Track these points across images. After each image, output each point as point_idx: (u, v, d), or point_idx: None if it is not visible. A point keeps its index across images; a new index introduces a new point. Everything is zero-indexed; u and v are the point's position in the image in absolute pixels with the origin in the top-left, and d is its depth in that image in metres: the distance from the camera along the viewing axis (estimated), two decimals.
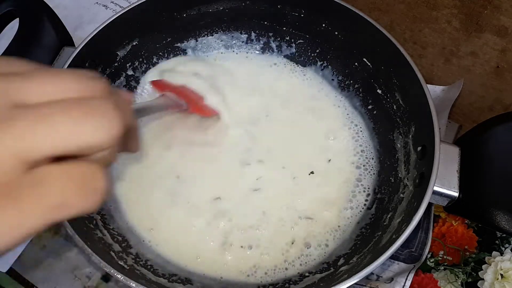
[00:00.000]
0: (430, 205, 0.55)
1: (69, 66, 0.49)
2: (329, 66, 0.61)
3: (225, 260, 0.49)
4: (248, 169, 0.54)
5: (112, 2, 0.74)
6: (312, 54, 0.62)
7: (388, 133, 0.55)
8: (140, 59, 0.60)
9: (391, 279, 0.51)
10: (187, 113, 0.54)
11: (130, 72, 0.60)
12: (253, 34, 0.63)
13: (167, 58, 0.62)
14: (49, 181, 0.20)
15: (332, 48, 0.60)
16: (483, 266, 0.52)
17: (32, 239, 0.54)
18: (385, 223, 0.47)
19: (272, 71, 0.63)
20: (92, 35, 0.51)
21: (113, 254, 0.44)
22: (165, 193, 0.53)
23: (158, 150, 0.55)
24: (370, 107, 0.57)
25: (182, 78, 0.58)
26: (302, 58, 0.63)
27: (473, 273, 0.53)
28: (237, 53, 0.64)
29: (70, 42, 0.56)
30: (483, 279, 0.51)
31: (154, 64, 0.62)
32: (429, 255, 0.54)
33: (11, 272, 0.52)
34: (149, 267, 0.46)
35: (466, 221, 0.57)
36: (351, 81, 0.59)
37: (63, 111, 0.21)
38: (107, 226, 0.49)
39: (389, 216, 0.48)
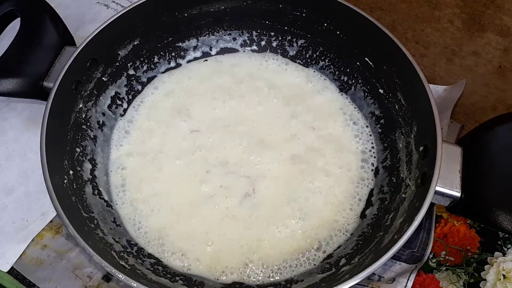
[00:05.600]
0: (432, 205, 0.55)
1: (70, 66, 0.49)
2: (331, 66, 0.61)
3: (225, 260, 0.49)
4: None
5: (114, 1, 0.74)
6: (314, 54, 0.62)
7: (390, 133, 0.54)
8: (142, 59, 0.60)
9: (392, 280, 0.51)
10: None
11: (131, 72, 0.60)
12: (254, 33, 0.63)
13: (168, 58, 0.62)
14: None
15: (333, 47, 0.60)
16: (485, 267, 0.52)
17: (33, 238, 0.54)
18: (387, 223, 0.47)
19: (273, 70, 0.63)
20: (93, 35, 0.51)
21: (114, 254, 0.44)
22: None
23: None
24: (371, 106, 0.57)
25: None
26: (304, 58, 0.63)
27: (475, 273, 0.53)
28: (238, 52, 0.64)
29: (71, 42, 0.56)
30: (485, 279, 0.51)
31: (155, 64, 0.61)
32: (431, 256, 0.54)
33: (12, 271, 0.53)
34: (150, 266, 0.46)
35: (468, 222, 0.56)
36: (353, 81, 0.59)
37: None
38: (107, 226, 0.49)
39: (391, 216, 0.47)
